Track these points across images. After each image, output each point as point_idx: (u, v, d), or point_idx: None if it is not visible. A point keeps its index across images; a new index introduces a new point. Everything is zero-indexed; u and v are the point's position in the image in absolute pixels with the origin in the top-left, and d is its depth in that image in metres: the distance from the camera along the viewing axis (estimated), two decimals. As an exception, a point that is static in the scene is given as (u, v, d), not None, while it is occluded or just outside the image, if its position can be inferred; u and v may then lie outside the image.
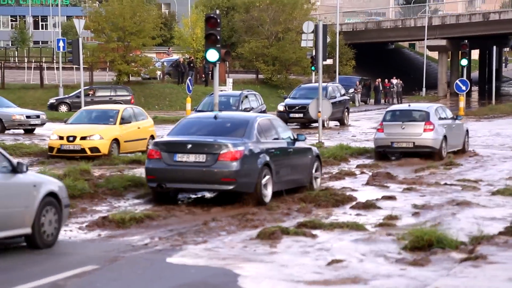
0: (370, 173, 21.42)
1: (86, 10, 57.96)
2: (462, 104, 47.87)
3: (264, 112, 32.64)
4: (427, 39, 75.27)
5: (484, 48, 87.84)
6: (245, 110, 31.78)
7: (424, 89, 74.60)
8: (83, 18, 52.73)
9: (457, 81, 43.73)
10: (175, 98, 54.25)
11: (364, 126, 40.65)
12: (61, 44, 49.05)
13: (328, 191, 17.17)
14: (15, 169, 11.48)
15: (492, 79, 62.19)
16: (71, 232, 13.15)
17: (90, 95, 46.04)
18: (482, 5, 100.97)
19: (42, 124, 33.88)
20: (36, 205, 11.51)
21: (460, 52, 48.59)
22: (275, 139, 17.30)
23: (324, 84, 41.20)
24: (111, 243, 12.25)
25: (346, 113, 41.65)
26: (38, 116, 34.06)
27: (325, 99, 31.32)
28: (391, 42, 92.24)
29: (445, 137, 25.92)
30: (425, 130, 25.60)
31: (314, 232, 12.98)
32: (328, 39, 39.39)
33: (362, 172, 22.01)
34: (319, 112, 29.42)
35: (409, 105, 28.97)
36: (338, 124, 40.97)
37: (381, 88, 67.84)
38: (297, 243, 12.16)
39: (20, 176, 11.53)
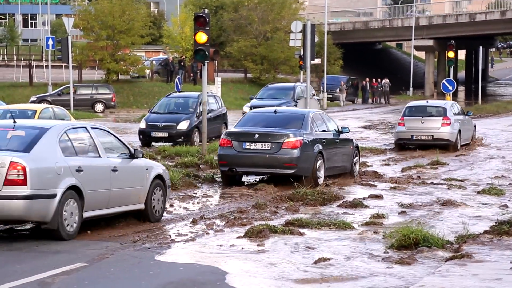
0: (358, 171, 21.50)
1: (76, 9, 57.81)
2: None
3: (224, 115, 31.04)
4: (414, 39, 75.50)
5: (470, 48, 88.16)
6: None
7: (411, 88, 74.83)
8: (72, 16, 52.82)
9: (444, 80, 43.78)
10: (163, 96, 54.24)
11: (351, 126, 40.71)
12: (50, 42, 48.94)
13: (315, 190, 17.27)
14: (132, 155, 13.80)
15: (478, 79, 62.48)
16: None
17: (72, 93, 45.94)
18: (469, 6, 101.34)
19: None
20: (148, 185, 13.93)
21: (446, 52, 48.75)
22: (324, 130, 20.03)
23: (292, 84, 40.13)
24: (100, 240, 12.30)
25: None
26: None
27: (313, 98, 31.43)
28: (379, 42, 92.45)
29: (459, 131, 28.74)
30: (442, 124, 28.28)
31: (302, 230, 13.06)
32: (316, 39, 39.49)
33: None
34: (307, 111, 29.50)
35: (427, 102, 32.25)
36: None
37: (368, 87, 68.01)
38: (285, 242, 12.24)
39: (136, 161, 13.85)
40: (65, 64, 48.84)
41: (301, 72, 48.13)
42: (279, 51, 61.86)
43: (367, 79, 68.26)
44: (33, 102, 47.08)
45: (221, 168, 19.14)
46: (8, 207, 11.72)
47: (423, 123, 28.49)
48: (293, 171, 18.61)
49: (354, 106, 63.36)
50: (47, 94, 48.14)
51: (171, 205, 15.85)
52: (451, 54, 47.75)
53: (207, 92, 29.78)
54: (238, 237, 12.55)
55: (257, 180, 20.00)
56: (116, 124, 39.27)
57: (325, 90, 59.31)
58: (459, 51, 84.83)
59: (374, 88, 68.66)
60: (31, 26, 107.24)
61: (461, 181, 20.20)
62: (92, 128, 13.50)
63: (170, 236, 12.67)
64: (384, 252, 11.48)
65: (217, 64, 61.59)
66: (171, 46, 62.21)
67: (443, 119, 28.39)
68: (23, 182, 11.72)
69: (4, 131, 12.62)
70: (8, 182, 11.71)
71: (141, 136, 28.11)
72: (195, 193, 17.60)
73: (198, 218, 14.27)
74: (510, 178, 21.04)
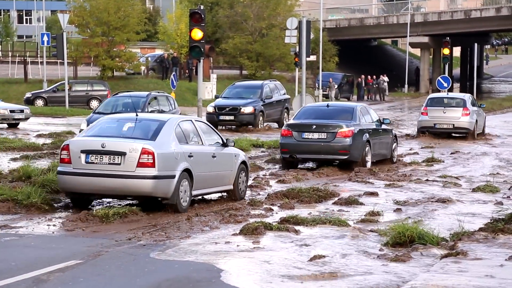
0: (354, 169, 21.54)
1: (71, 5, 57.70)
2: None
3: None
4: (410, 36, 75.51)
5: (465, 45, 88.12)
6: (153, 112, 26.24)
7: (406, 85, 74.86)
8: (67, 12, 52.65)
9: (439, 77, 43.94)
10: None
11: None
12: (45, 38, 48.90)
13: (311, 187, 17.29)
14: (225, 144, 16.48)
15: (473, 76, 62.50)
16: (55, 227, 13.19)
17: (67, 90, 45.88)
18: (464, 3, 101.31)
19: (26, 119, 33.80)
20: (236, 169, 16.52)
21: (442, 49, 48.80)
22: (369, 122, 22.96)
23: (260, 82, 37.76)
24: (95, 238, 12.30)
25: (286, 114, 36.43)
26: (22, 111, 33.98)
27: (308, 95, 31.43)
28: (374, 39, 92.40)
29: (476, 121, 32.22)
30: (463, 114, 31.73)
31: (297, 227, 13.06)
32: (312, 36, 39.47)
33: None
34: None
35: (447, 94, 35.93)
36: (277, 125, 35.65)
37: (363, 84, 68.04)
38: (280, 239, 12.24)
39: (228, 149, 16.51)
40: (60, 61, 48.76)
41: (297, 69, 48.09)
42: (275, 48, 61.82)
43: (363, 76, 68.26)
44: (28, 98, 47.06)
45: (283, 155, 22.17)
46: (140, 185, 14.24)
47: (445, 113, 31.86)
48: (346, 157, 21.70)
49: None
50: (42, 90, 48.09)
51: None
52: (446, 51, 47.81)
53: (158, 92, 28.35)
54: (234, 234, 12.55)
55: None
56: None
57: (320, 87, 59.30)
58: (454, 48, 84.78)
59: (370, 85, 68.68)
60: (26, 22, 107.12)
61: (456, 178, 20.24)
62: (196, 120, 16.47)
63: (165, 233, 12.67)
64: (379, 250, 11.49)
65: (213, 60, 61.55)
66: (166, 43, 62.14)
67: (463, 110, 31.79)
68: (152, 165, 14.22)
69: (130, 123, 15.09)
70: (140, 164, 14.20)
71: None
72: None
73: (193, 215, 14.27)
74: (505, 175, 21.08)
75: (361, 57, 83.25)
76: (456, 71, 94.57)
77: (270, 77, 62.76)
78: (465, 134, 31.99)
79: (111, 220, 13.57)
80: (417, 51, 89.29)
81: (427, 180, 19.90)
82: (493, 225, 12.40)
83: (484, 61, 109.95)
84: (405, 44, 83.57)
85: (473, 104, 32.92)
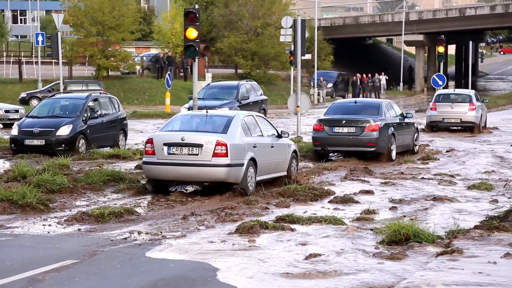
0: (348, 168, 21.54)
1: (65, 5, 57.64)
2: (439, 99, 48.01)
3: (123, 119, 26.26)
4: (405, 34, 75.56)
5: (460, 43, 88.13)
6: (92, 117, 24.50)
7: (401, 83, 74.91)
8: (62, 12, 52.53)
9: (434, 75, 44.03)
10: (154, 92, 54.22)
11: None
12: (40, 38, 48.82)
13: (306, 186, 17.29)
14: (280, 135, 18.79)
15: (468, 74, 62.55)
16: (50, 226, 13.18)
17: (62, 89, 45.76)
18: (459, 0, 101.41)
19: (21, 119, 33.74)
20: (289, 157, 18.92)
21: (437, 47, 48.97)
22: (393, 116, 24.83)
23: (236, 82, 35.80)
24: (90, 237, 12.30)
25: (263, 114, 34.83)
26: (17, 111, 33.96)
27: (303, 94, 31.39)
28: (369, 37, 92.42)
29: (481, 115, 34.68)
30: (469, 109, 34.19)
31: (293, 226, 13.07)
32: (307, 34, 39.50)
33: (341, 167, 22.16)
34: (298, 107, 29.56)
35: (454, 90, 39.19)
36: None
37: (359, 83, 68.06)
38: (276, 238, 12.24)
39: (282, 140, 18.82)
40: (55, 61, 48.61)
41: (292, 68, 48.11)
42: (270, 47, 61.80)
43: (358, 74, 68.28)
44: (23, 98, 47.00)
45: (315, 148, 23.99)
46: (216, 172, 16.45)
47: (452, 108, 34.21)
48: (373, 149, 23.59)
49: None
50: (37, 90, 48.03)
51: (162, 201, 15.85)
52: (441, 49, 47.86)
53: (100, 93, 26.12)
54: (229, 233, 12.55)
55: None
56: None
57: (316, 85, 59.32)
58: (449, 46, 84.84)
59: (365, 83, 68.70)
60: (21, 22, 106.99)
61: (452, 176, 20.26)
62: (256, 116, 18.76)
63: (161, 232, 12.67)
64: (375, 248, 11.49)
65: (208, 60, 61.53)
66: (161, 42, 62.11)
67: (469, 105, 34.24)
68: (225, 155, 16.42)
69: (201, 119, 17.57)
70: (215, 154, 16.39)
71: (12, 145, 23.51)
72: (186, 189, 17.56)
73: (189, 214, 14.27)
74: (500, 173, 21.10)
75: (356, 56, 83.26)
76: (451, 69, 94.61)
77: (265, 76, 62.94)
78: (471, 128, 34.37)
79: (106, 219, 13.58)
80: (412, 49, 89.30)
81: (422, 178, 19.92)
82: (488, 222, 12.43)
83: (479, 59, 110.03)
84: (400, 43, 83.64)
85: (477, 100, 35.21)
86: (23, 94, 47.64)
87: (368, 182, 19.22)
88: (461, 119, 34.35)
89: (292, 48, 38.43)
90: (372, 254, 11.06)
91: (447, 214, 14.30)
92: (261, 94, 35.90)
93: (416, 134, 26.32)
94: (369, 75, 68.95)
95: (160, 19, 68.92)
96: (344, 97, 66.41)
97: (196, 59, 23.80)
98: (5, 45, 77.87)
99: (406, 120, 25.74)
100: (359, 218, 14.02)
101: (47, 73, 54.89)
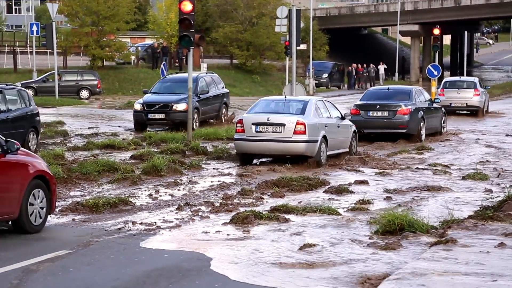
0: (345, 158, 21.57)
1: (59, -6, 57.57)
2: (434, 89, 47.93)
3: (35, 115, 22.86)
4: (400, 24, 75.54)
5: (455, 33, 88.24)
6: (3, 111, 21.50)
7: (397, 74, 74.91)
8: (56, 2, 52.48)
9: (429, 66, 44.02)
10: (149, 83, 54.03)
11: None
12: (34, 28, 48.64)
13: (301, 176, 17.30)
14: (343, 117, 22.07)
15: (463, 64, 62.60)
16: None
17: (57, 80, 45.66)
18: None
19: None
20: (350, 136, 22.30)
21: (432, 37, 49.24)
22: (423, 101, 27.62)
23: (195, 75, 30.96)
24: (85, 227, 12.29)
25: (224, 110, 32.89)
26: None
27: (298, 84, 31.41)
28: (364, 28, 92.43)
29: (484, 100, 38.72)
30: (474, 94, 38.03)
31: (287, 216, 13.07)
32: (302, 24, 39.45)
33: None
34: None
35: (460, 77, 43.65)
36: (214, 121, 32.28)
37: (354, 73, 68.04)
38: (270, 228, 12.25)
39: (345, 121, 22.19)
40: (50, 51, 48.61)
41: (287, 58, 48.08)
42: (265, 37, 61.75)
43: (353, 64, 68.24)
44: (17, 89, 46.82)
45: None
46: (296, 147, 19.92)
47: (459, 93, 37.95)
48: (404, 130, 26.31)
49: (340, 91, 63.37)
50: (32, 80, 47.92)
51: (157, 192, 15.85)
52: (436, 39, 47.84)
53: (7, 84, 22.28)
54: (224, 224, 12.55)
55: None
56: (101, 111, 39.16)
57: (311, 75, 59.27)
58: (444, 36, 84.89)
59: (360, 73, 68.68)
60: (16, 12, 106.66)
61: (446, 166, 20.28)
62: (325, 100, 22.35)
63: (155, 222, 12.66)
64: (369, 238, 11.49)
65: (203, 50, 61.45)
66: (156, 32, 62.01)
67: (474, 91, 38.04)
68: (304, 132, 19.85)
69: (281, 103, 21.17)
70: (295, 132, 19.84)
71: None
72: (181, 180, 17.58)
73: (184, 204, 14.26)
74: (495, 163, 21.13)
75: (352, 46, 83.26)
76: (446, 59, 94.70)
77: (261, 66, 62.86)
78: (476, 112, 38.00)
79: (101, 210, 13.58)
80: (407, 40, 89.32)
81: (417, 168, 19.94)
82: (482, 212, 12.44)
83: (474, 49, 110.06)
84: (396, 33, 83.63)
85: (481, 86, 39.08)
86: (17, 84, 47.50)
87: (363, 172, 19.23)
88: (466, 103, 37.92)
89: (287, 38, 38.41)
90: (366, 244, 11.06)
91: (441, 204, 14.32)
92: (222, 87, 33.43)
93: (443, 118, 29.19)
94: (364, 65, 68.93)
95: (155, 9, 68.76)
96: (339, 88, 66.50)
97: (191, 49, 23.77)
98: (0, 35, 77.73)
99: (435, 105, 28.61)
100: (354, 208, 14.04)
101: (41, 63, 54.77)
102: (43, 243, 11.07)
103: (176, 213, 13.58)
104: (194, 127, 28.25)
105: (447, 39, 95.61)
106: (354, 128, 22.66)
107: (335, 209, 13.70)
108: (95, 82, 47.64)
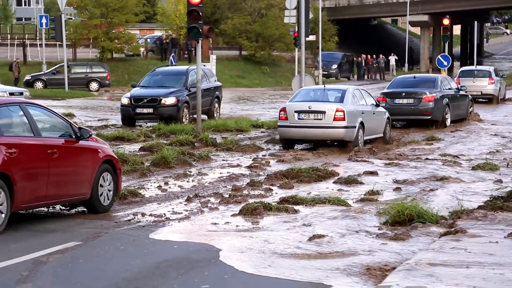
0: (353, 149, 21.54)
1: (68, -13, 57.48)
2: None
3: None
4: (409, 14, 75.30)
5: (465, 23, 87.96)
6: None
7: (406, 64, 74.73)
8: (65, -6, 52.36)
9: (439, 56, 44.03)
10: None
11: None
12: (44, 20, 48.74)
13: (310, 167, 17.28)
14: (377, 105, 23.78)
15: (473, 54, 62.40)
16: (54, 209, 13.19)
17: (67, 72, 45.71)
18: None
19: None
20: (384, 122, 23.68)
21: (442, 27, 49.27)
22: (449, 88, 29.11)
23: (185, 68, 31.04)
24: (94, 219, 12.31)
25: (217, 104, 31.07)
26: (21, 93, 33.90)
27: (308, 75, 31.34)
28: (374, 18, 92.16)
29: (499, 88, 40.32)
30: (489, 83, 39.62)
31: (296, 207, 13.07)
32: (311, 15, 39.38)
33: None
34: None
35: (476, 67, 45.09)
36: (206, 117, 29.99)
37: (363, 64, 67.89)
38: (279, 219, 12.25)
39: (379, 108, 23.79)
40: (59, 43, 48.68)
41: (296, 49, 48.00)
42: (274, 28, 61.64)
43: (363, 55, 68.08)
44: (27, 81, 46.99)
45: None
46: (336, 132, 21.54)
47: (474, 82, 39.08)
48: (429, 117, 27.63)
49: (349, 82, 63.29)
50: (42, 73, 48.01)
51: (166, 183, 15.87)
52: (446, 29, 47.81)
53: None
54: (233, 215, 12.56)
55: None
56: (111, 103, 39.20)
57: (320, 66, 59.14)
58: (454, 26, 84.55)
59: (369, 64, 68.53)
60: (25, 5, 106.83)
61: (456, 156, 20.23)
62: (361, 89, 24.01)
63: (164, 214, 12.68)
64: (379, 229, 11.48)
65: (212, 41, 61.42)
66: (165, 24, 61.99)
67: (489, 79, 39.62)
68: (343, 119, 21.38)
69: (320, 92, 22.89)
70: (335, 119, 21.37)
71: None
72: (190, 171, 17.59)
73: (193, 196, 14.27)
74: (505, 153, 21.07)
75: (361, 37, 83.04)
76: (456, 49, 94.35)
77: (270, 58, 62.75)
78: (491, 99, 39.79)
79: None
80: (417, 30, 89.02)
81: (426, 158, 19.89)
82: (492, 203, 12.41)
83: (484, 39, 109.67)
84: (405, 23, 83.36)
85: (496, 75, 40.59)
86: (27, 77, 47.62)
87: (372, 163, 19.21)
88: (481, 91, 39.38)
89: (296, 29, 38.33)
90: (375, 235, 11.05)
91: (451, 195, 14.29)
92: (215, 81, 31.79)
93: (470, 105, 30.61)
94: (374, 56, 68.75)
95: (164, 0, 68.76)
96: (349, 78, 66.37)
97: (200, 41, 23.76)
98: (9, 28, 77.84)
99: (462, 93, 29.90)
100: (363, 199, 14.02)
101: (51, 55, 54.84)
102: (52, 235, 11.10)
103: (185, 204, 13.60)
104: (184, 121, 27.69)
105: (457, 29, 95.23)
106: (387, 114, 24.04)
107: (344, 200, 13.69)
108: (105, 74, 47.65)
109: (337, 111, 21.37)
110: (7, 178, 11.00)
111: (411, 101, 27.68)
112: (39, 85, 46.69)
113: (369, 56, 68.52)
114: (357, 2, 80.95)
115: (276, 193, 14.84)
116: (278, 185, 15.67)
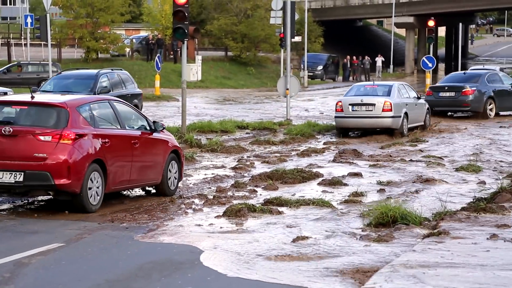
0: (337, 150, 21.55)
1: (54, -14, 57.22)
2: (428, 81, 48.06)
3: None
4: (395, 16, 75.45)
5: (450, 25, 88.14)
6: None
7: (391, 66, 74.87)
8: (50, -6, 52.13)
9: (424, 58, 44.06)
10: (144, 75, 54.02)
11: (332, 103, 40.67)
12: (29, 20, 48.41)
13: (295, 168, 17.28)
14: (419, 97, 27.79)
15: (458, 56, 62.57)
16: (37, 210, 13.13)
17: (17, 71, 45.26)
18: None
19: None
20: (424, 113, 28.00)
21: (427, 29, 49.42)
22: (497, 84, 32.31)
23: (95, 71, 26.93)
24: (78, 221, 12.26)
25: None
26: (5, 93, 33.73)
27: (293, 76, 31.36)
28: (359, 19, 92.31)
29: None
30: None
31: (281, 209, 13.06)
32: (297, 16, 39.37)
33: (329, 149, 22.16)
34: (287, 89, 29.52)
35: (483, 66, 51.56)
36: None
37: (349, 65, 67.98)
38: (264, 220, 12.24)
39: (421, 100, 27.87)
40: (44, 43, 48.42)
41: (282, 50, 48.01)
42: (260, 29, 61.64)
43: (348, 56, 68.16)
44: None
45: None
46: (385, 121, 25.68)
47: None
48: (468, 108, 31.64)
49: (334, 83, 63.34)
50: None
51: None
52: (431, 31, 47.86)
53: None
54: (217, 217, 12.54)
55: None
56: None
57: (305, 68, 59.22)
58: (439, 28, 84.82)
59: (355, 65, 68.62)
60: (10, 4, 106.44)
61: (440, 158, 20.28)
62: (405, 84, 28.14)
63: (148, 215, 12.64)
64: (362, 230, 11.49)
65: (198, 42, 61.34)
66: (151, 24, 61.86)
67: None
68: (390, 110, 25.51)
69: (370, 87, 27.04)
70: (384, 110, 25.47)
71: None
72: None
73: (177, 197, 14.25)
74: (488, 154, 21.14)
75: (347, 38, 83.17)
76: (441, 51, 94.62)
77: (255, 59, 62.72)
78: None
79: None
80: (402, 31, 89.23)
81: (410, 160, 19.94)
82: (475, 204, 12.46)
83: (469, 41, 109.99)
84: (390, 25, 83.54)
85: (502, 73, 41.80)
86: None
87: (357, 164, 19.23)
88: None
89: (282, 30, 38.30)
90: (359, 237, 11.06)
91: (434, 196, 14.33)
92: (133, 88, 28.09)
93: None
94: (360, 57, 68.85)
95: (149, 1, 68.62)
96: (334, 80, 66.39)
97: (186, 42, 23.73)
98: (-6, 27, 77.44)
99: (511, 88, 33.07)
100: (347, 201, 14.03)
101: (36, 55, 54.60)
102: (35, 236, 11.05)
103: (169, 205, 13.55)
104: None
105: (442, 31, 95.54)
106: (427, 105, 28.23)
107: (329, 201, 13.69)
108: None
109: (385, 103, 25.44)
110: (102, 164, 12.85)
111: (452, 94, 31.51)
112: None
113: (354, 57, 68.61)
114: (343, 4, 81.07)
115: (260, 194, 14.84)
116: (263, 186, 15.66)
